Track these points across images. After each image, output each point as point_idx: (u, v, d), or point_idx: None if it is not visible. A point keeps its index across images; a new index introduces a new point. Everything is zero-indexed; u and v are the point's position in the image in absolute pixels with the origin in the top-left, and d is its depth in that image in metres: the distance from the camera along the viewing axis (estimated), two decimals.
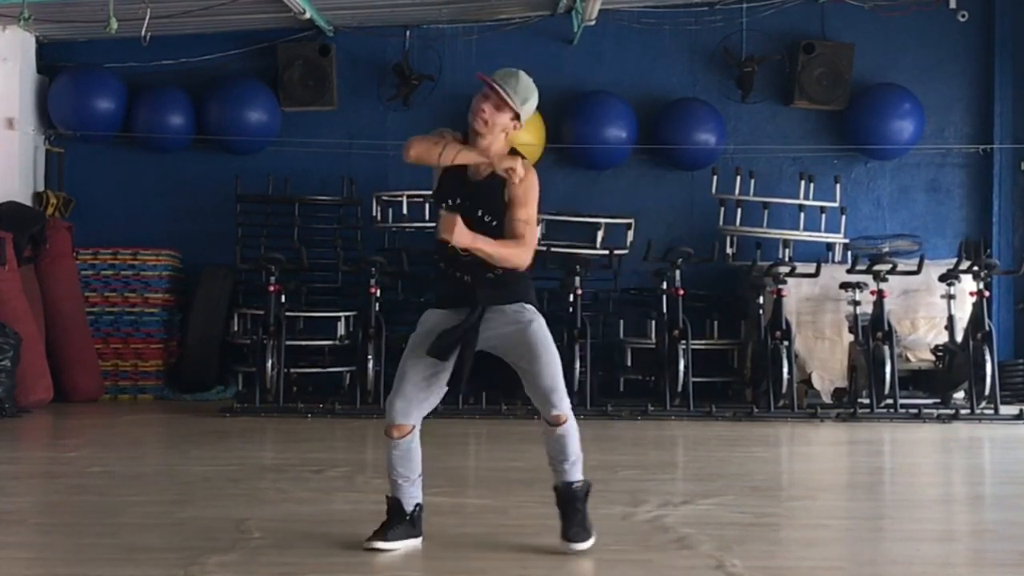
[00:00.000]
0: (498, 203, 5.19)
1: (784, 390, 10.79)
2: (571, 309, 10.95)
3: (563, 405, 5.20)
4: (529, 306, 5.26)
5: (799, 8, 12.91)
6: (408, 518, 5.28)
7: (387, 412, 5.23)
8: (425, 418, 5.30)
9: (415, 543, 5.29)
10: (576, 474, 5.25)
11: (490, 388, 9.89)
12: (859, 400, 10.93)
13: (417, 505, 5.31)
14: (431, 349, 5.14)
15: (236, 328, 12.09)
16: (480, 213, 5.17)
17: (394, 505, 5.29)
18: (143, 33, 10.86)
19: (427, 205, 12.16)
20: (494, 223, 5.18)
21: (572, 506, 5.23)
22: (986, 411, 10.74)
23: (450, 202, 5.21)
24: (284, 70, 12.80)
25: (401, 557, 5.17)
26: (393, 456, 5.25)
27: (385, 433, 5.24)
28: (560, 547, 5.20)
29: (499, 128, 5.16)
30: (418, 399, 5.21)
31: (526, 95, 5.18)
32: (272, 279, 11.03)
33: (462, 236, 5.04)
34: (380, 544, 5.21)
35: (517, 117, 5.18)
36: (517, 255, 5.16)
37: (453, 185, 5.23)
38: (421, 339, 5.21)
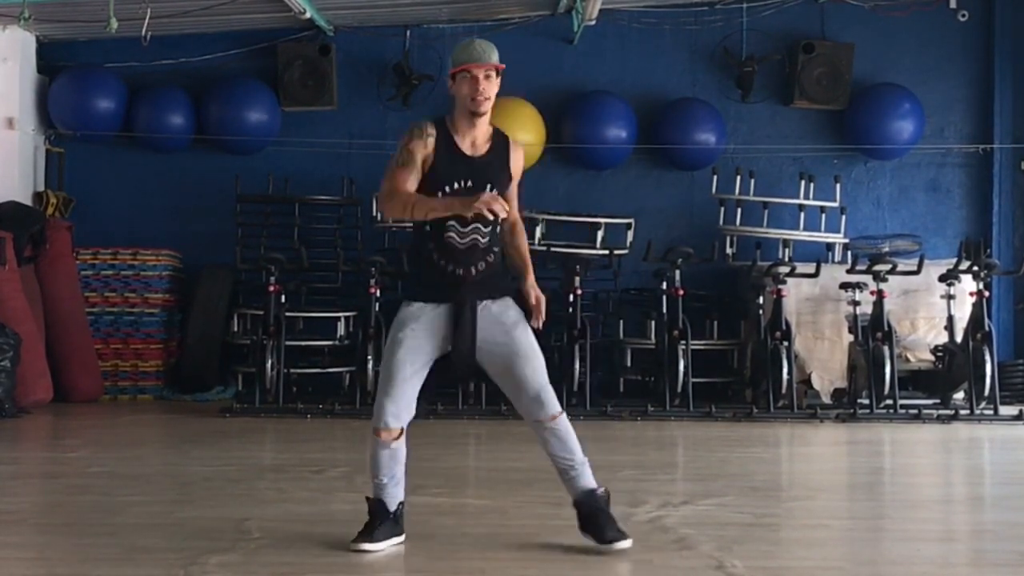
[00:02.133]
0: (503, 177, 5.25)
1: (784, 390, 10.78)
2: (571, 309, 10.93)
3: (556, 401, 5.20)
4: (512, 302, 5.25)
5: (799, 8, 12.91)
6: (392, 517, 5.26)
7: (378, 415, 5.15)
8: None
9: (399, 540, 5.28)
10: (592, 479, 5.23)
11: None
12: (859, 400, 10.93)
13: (400, 504, 5.29)
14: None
15: (236, 328, 12.07)
16: (490, 189, 5.16)
17: (378, 507, 5.25)
18: (143, 33, 10.86)
19: None
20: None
21: (604, 512, 5.21)
22: (986, 411, 10.73)
23: (457, 184, 5.16)
24: (284, 70, 12.79)
25: (401, 557, 5.17)
26: (381, 457, 5.19)
27: (374, 434, 5.18)
28: (602, 550, 5.15)
29: (493, 95, 5.22)
30: (408, 399, 5.16)
31: (492, 48, 5.23)
32: (272, 279, 11.03)
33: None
34: (367, 545, 5.18)
35: (500, 71, 5.23)
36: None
37: (455, 168, 5.18)
38: (409, 338, 5.13)
